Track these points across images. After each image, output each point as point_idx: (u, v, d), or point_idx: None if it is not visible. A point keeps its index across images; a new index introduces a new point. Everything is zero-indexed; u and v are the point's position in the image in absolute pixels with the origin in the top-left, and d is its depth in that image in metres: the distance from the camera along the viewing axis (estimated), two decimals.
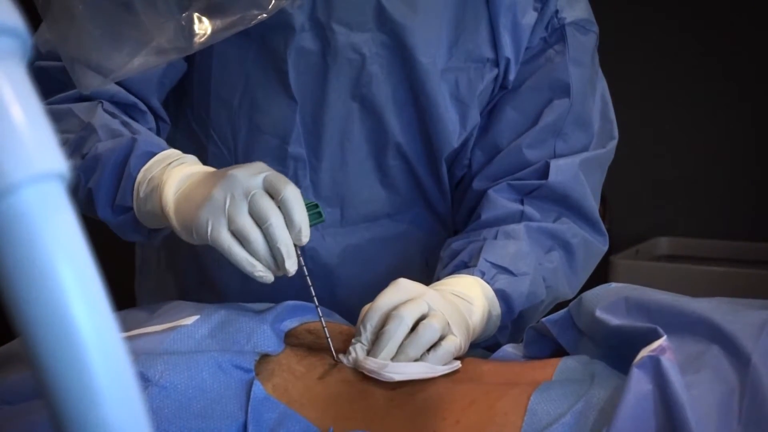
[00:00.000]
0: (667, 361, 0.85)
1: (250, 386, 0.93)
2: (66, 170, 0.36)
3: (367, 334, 0.98)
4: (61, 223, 0.36)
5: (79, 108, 1.18)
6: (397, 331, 0.96)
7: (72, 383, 0.36)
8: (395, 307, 0.99)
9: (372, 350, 0.97)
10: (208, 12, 1.05)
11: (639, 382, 0.85)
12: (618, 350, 0.96)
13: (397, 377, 0.95)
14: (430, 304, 1.00)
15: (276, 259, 0.99)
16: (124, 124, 1.17)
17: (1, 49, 0.35)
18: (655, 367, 0.86)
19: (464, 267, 1.17)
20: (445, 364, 0.99)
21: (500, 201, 1.25)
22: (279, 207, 0.98)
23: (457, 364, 1.00)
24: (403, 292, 1.00)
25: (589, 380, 0.93)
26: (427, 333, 0.97)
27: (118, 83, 1.20)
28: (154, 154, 1.10)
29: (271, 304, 1.07)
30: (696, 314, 0.92)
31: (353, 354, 0.98)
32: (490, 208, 1.25)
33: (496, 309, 1.14)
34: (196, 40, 1.05)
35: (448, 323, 1.00)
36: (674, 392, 0.82)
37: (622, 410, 0.83)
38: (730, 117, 3.35)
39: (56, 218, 0.36)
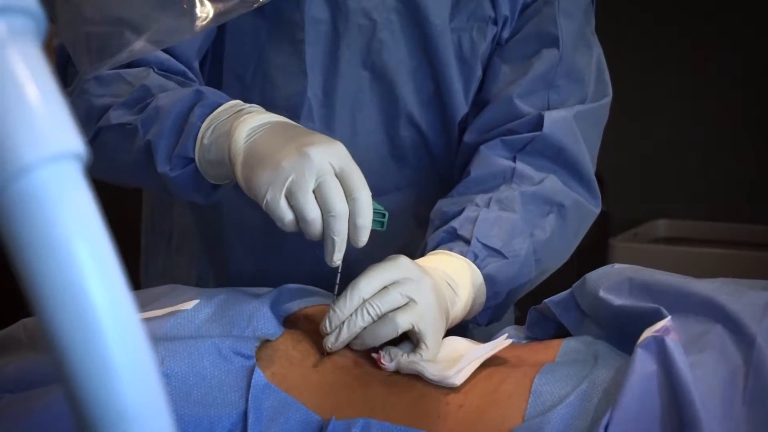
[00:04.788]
0: (671, 342, 0.86)
1: (250, 373, 0.92)
2: (82, 150, 0.36)
3: (341, 314, 0.96)
4: (78, 203, 0.36)
5: (128, 73, 1.15)
6: (361, 324, 0.96)
7: (89, 362, 0.35)
8: (375, 295, 0.97)
9: (334, 333, 0.96)
10: None
11: (643, 363, 0.85)
12: (621, 330, 0.96)
13: (462, 379, 0.93)
14: (413, 295, 0.98)
15: (325, 247, 0.97)
16: (180, 84, 1.14)
17: (16, 28, 0.35)
18: (659, 347, 0.86)
19: (455, 236, 1.15)
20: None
21: (492, 158, 1.23)
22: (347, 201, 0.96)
23: (508, 341, 0.99)
24: (396, 271, 0.99)
25: (592, 361, 0.93)
26: (386, 329, 0.96)
27: (165, 50, 1.17)
28: (220, 104, 1.06)
29: (271, 288, 1.07)
30: (700, 295, 0.92)
31: (393, 356, 0.97)
32: (480, 165, 1.23)
33: (481, 297, 1.12)
34: (198, 23, 1.05)
35: (419, 323, 0.98)
36: (679, 372, 0.82)
37: (627, 391, 0.83)
38: (729, 99, 3.34)
39: (72, 198, 0.36)
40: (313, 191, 0.95)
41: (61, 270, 0.35)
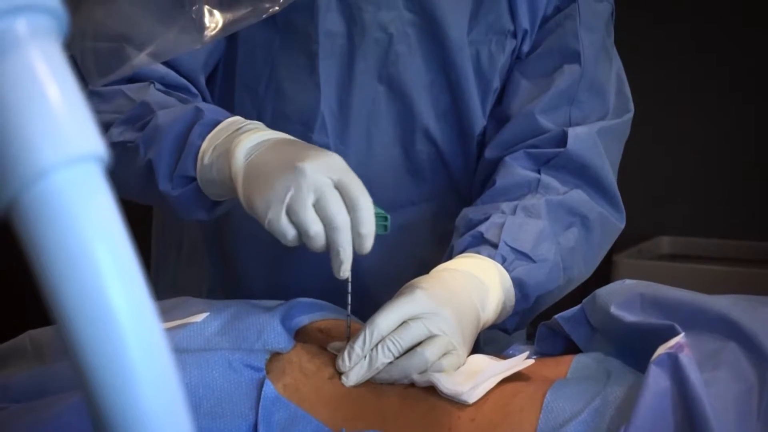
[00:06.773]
0: (686, 358, 0.85)
1: (261, 385, 0.92)
2: (104, 152, 0.35)
3: (360, 352, 0.96)
4: (98, 206, 0.35)
5: (129, 88, 1.14)
6: (383, 360, 0.95)
7: (109, 368, 0.35)
8: (395, 330, 0.97)
9: (353, 371, 0.95)
10: (219, 5, 1.05)
11: (657, 379, 0.84)
12: (633, 347, 0.96)
13: (476, 397, 0.92)
14: (433, 328, 0.98)
15: (331, 259, 0.96)
16: (181, 100, 1.14)
17: (38, 27, 0.34)
18: (673, 364, 0.85)
19: (481, 240, 1.14)
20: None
21: (516, 168, 1.22)
22: (347, 210, 0.95)
23: (530, 361, 0.98)
24: (413, 305, 0.99)
25: (604, 377, 0.93)
26: (416, 363, 0.96)
27: (167, 64, 1.17)
28: (219, 122, 1.06)
29: (282, 301, 1.06)
30: (713, 311, 0.92)
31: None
32: (506, 175, 1.22)
33: (511, 300, 1.12)
34: (207, 33, 1.04)
35: (451, 343, 0.98)
36: (693, 389, 0.82)
37: (641, 408, 0.82)
38: (733, 115, 3.34)
39: (93, 201, 0.35)
40: (314, 205, 0.94)
41: (82, 275, 0.34)
